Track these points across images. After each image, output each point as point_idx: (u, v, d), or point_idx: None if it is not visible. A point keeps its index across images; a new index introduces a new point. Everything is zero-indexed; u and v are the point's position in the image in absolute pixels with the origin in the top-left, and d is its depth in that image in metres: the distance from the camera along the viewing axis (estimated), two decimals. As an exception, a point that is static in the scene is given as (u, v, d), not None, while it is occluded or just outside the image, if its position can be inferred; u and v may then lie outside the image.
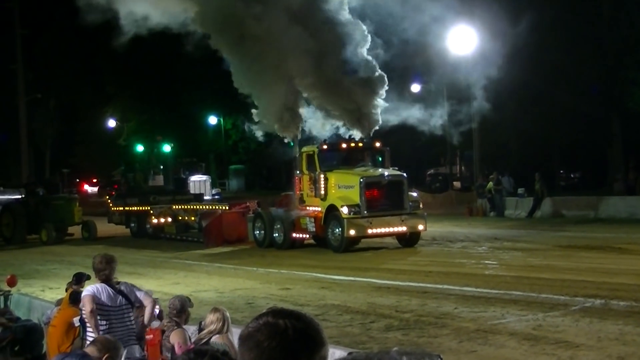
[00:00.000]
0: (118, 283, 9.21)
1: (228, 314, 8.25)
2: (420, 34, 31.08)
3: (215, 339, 7.96)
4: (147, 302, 9.22)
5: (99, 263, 9.12)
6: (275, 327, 2.49)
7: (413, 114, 30.42)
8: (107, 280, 9.04)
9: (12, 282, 13.84)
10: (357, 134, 28.83)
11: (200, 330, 8.90)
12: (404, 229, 26.03)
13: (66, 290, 11.60)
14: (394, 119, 29.77)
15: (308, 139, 29.73)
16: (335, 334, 12.81)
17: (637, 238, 24.58)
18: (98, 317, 8.77)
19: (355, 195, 25.80)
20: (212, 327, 8.08)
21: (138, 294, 9.20)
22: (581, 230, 28.83)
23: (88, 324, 8.95)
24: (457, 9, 34.22)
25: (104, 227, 38.22)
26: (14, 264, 26.60)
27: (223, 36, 29.59)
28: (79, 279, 11.79)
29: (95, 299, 8.78)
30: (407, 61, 36.43)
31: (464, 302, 15.37)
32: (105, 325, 8.86)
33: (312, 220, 26.94)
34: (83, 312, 9.10)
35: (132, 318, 9.19)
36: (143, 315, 9.54)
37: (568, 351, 11.15)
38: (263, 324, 2.52)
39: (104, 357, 6.01)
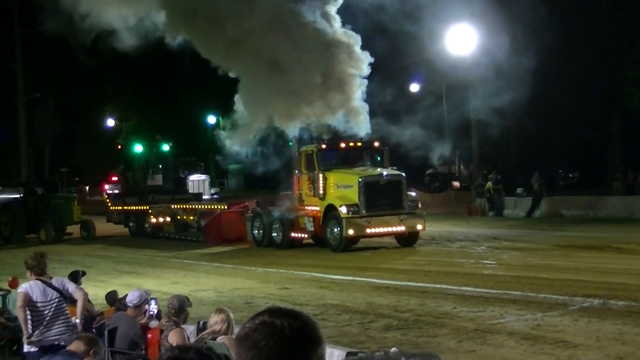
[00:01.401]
0: (51, 278, 9.66)
1: (232, 315, 8.24)
2: (420, 34, 31.08)
3: (219, 339, 7.95)
4: (77, 296, 9.65)
5: (31, 260, 9.62)
6: (272, 327, 2.49)
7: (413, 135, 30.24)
8: (40, 274, 9.53)
9: (14, 284, 13.86)
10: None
11: (199, 329, 8.89)
12: (402, 228, 26.03)
13: None
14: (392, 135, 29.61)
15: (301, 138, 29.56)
16: (334, 334, 12.81)
17: (636, 238, 24.59)
18: (28, 313, 9.33)
19: (354, 195, 25.79)
20: (216, 327, 8.07)
21: (70, 287, 9.67)
22: (580, 230, 28.84)
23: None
24: (456, 8, 34.24)
25: (102, 227, 38.21)
26: (12, 263, 26.53)
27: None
28: (75, 277, 11.93)
29: (27, 296, 9.30)
30: (406, 60, 36.44)
31: (463, 302, 15.37)
32: (38, 319, 9.38)
33: (311, 219, 26.94)
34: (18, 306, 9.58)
35: (66, 310, 9.67)
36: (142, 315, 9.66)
37: (567, 351, 11.15)
38: (260, 323, 2.51)
39: (91, 352, 6.02)
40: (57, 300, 9.48)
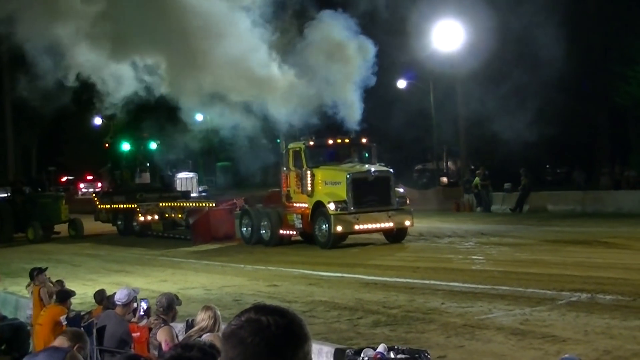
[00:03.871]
0: None
1: (219, 313, 8.23)
2: (406, 30, 31.12)
3: (205, 337, 7.93)
4: None
5: None
6: (258, 324, 2.49)
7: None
8: None
9: None
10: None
11: (188, 327, 8.87)
12: (391, 224, 26.03)
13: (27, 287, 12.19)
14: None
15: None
16: (323, 330, 12.83)
17: (623, 232, 24.70)
18: None
19: (342, 192, 25.79)
20: (203, 324, 8.05)
21: None
22: (568, 224, 28.91)
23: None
24: (444, 6, 34.31)
25: (91, 225, 38.12)
26: (0, 263, 26.50)
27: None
28: (31, 275, 12.20)
29: None
30: (394, 56, 36.44)
31: (452, 298, 15.40)
32: None
33: (299, 216, 26.92)
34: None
35: None
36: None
37: (555, 345, 11.18)
38: (246, 320, 2.51)
39: (75, 347, 5.99)
40: None
